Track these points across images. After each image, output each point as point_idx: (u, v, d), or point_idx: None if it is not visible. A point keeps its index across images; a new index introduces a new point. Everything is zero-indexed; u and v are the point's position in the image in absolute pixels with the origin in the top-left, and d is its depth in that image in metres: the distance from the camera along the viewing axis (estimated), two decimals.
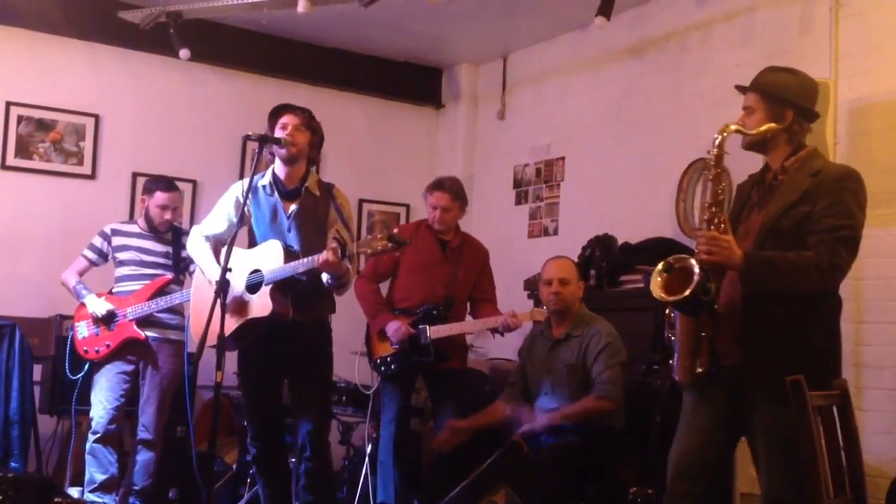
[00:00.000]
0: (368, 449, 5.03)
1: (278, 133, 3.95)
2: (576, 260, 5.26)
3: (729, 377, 2.93)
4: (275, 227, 3.99)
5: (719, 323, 2.92)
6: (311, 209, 3.99)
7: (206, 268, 4.00)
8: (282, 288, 3.82)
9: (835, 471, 2.73)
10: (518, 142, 6.67)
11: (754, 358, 2.87)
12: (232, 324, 3.81)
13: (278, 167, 4.02)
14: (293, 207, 3.98)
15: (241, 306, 3.86)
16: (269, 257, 3.86)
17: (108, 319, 4.65)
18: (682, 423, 3.08)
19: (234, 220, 3.97)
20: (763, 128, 2.97)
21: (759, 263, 2.85)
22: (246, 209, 3.98)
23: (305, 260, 3.73)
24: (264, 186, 4.02)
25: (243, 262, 3.92)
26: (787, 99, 3.00)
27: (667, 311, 2.97)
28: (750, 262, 2.85)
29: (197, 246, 4.09)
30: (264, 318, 3.81)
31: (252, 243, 4.04)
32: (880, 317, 4.29)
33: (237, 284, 3.87)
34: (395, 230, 3.64)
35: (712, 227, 2.91)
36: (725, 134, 2.96)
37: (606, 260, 5.18)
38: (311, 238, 3.93)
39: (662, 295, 2.88)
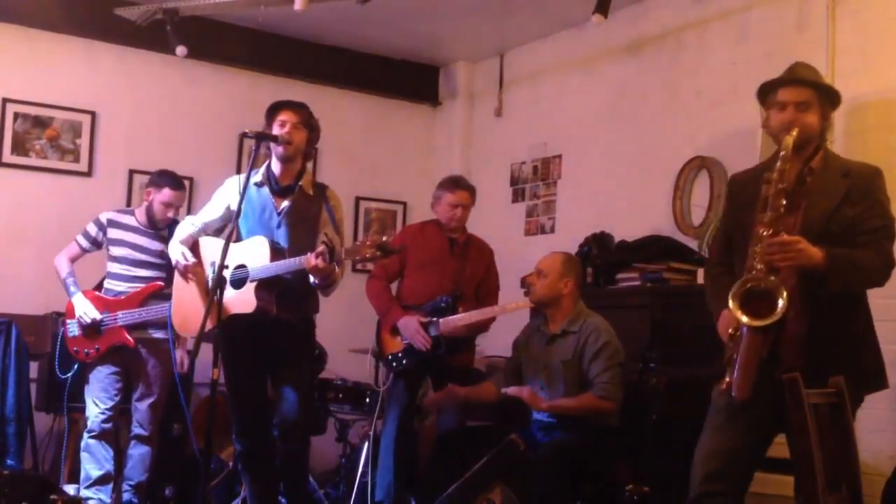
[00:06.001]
0: (364, 447, 5.03)
1: (276, 130, 3.92)
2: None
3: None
4: (263, 222, 3.96)
5: (786, 333, 2.86)
6: (302, 208, 3.97)
7: (172, 246, 4.03)
8: (266, 285, 3.81)
9: (831, 468, 2.73)
10: (515, 139, 6.67)
11: (818, 360, 2.83)
12: (214, 318, 3.78)
13: (274, 163, 4.01)
14: (285, 204, 3.96)
15: (223, 301, 3.78)
16: (255, 253, 3.84)
17: (93, 327, 4.65)
18: (712, 424, 3.01)
19: (232, 210, 3.94)
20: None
21: (843, 262, 2.84)
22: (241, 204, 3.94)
23: (293, 260, 3.72)
24: (257, 182, 4.00)
25: (228, 257, 3.85)
26: (834, 97, 3.03)
27: (730, 331, 2.85)
28: (835, 261, 2.82)
29: (179, 226, 4.09)
30: (248, 314, 3.79)
31: (238, 237, 3.98)
32: (877, 314, 4.26)
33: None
34: (385, 238, 3.59)
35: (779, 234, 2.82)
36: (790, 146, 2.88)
37: (603, 258, 5.18)
38: (300, 237, 3.91)
39: (753, 322, 2.75)
